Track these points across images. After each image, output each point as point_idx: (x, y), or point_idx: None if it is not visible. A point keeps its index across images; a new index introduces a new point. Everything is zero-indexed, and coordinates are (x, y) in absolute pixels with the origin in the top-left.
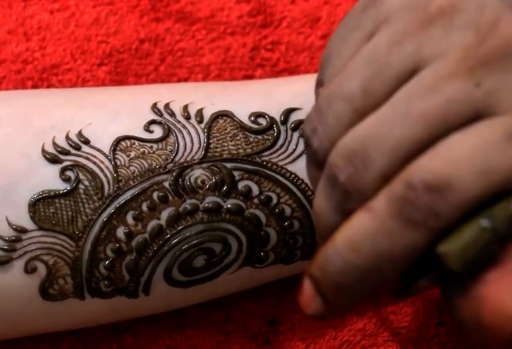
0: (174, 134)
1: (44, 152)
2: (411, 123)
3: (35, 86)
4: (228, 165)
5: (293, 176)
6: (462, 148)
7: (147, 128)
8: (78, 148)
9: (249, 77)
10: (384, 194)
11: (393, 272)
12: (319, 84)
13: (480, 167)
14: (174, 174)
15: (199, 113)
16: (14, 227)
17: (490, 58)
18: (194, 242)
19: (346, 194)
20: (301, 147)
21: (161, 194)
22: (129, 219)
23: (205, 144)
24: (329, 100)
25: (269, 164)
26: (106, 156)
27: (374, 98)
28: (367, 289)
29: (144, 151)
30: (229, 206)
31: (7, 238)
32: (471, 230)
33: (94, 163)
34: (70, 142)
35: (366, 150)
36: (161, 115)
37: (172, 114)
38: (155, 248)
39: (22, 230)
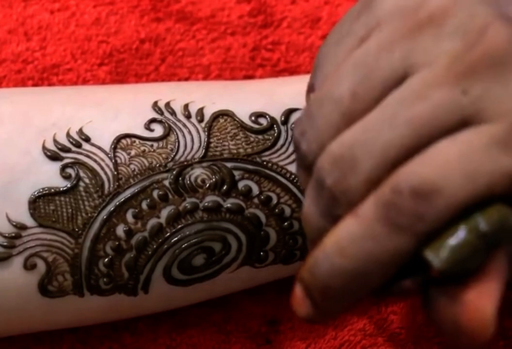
0: (175, 133)
1: (44, 149)
2: (398, 129)
3: (35, 86)
4: (228, 164)
5: (293, 176)
6: (449, 153)
7: (147, 126)
8: (78, 145)
9: (250, 77)
10: (371, 199)
11: (380, 277)
12: (310, 89)
13: (466, 172)
14: (174, 172)
15: (200, 112)
16: (14, 223)
17: (477, 65)
18: (193, 241)
19: (333, 198)
20: None
21: (161, 192)
22: (129, 217)
23: (205, 143)
24: (319, 103)
25: (269, 164)
26: (107, 154)
27: (362, 102)
28: (354, 293)
29: (144, 150)
30: (229, 205)
31: (6, 235)
32: (458, 234)
33: (95, 161)
34: (70, 140)
35: (353, 155)
36: (161, 113)
37: (173, 112)
38: (154, 246)
39: (22, 227)
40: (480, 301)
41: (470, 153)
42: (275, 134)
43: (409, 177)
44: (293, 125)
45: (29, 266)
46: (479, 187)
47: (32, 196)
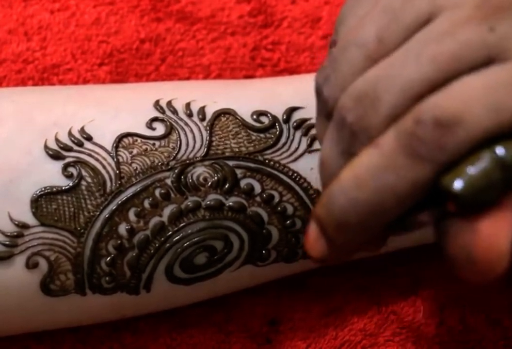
0: (177, 132)
1: (46, 148)
2: (423, 64)
3: (35, 86)
4: (230, 163)
5: (295, 174)
6: (473, 87)
7: (149, 125)
8: (80, 144)
9: (250, 77)
10: (392, 130)
11: (397, 209)
12: (333, 44)
13: (490, 104)
14: (176, 171)
15: (202, 110)
16: (16, 222)
17: (505, 5)
18: (195, 239)
19: (353, 135)
20: (303, 146)
21: (163, 191)
22: (131, 215)
23: (207, 142)
24: (343, 48)
25: (271, 163)
26: (109, 153)
27: (388, 44)
28: (370, 227)
29: (146, 148)
30: (231, 203)
31: (9, 234)
32: (478, 162)
33: (97, 159)
34: (72, 139)
35: (376, 91)
36: (163, 112)
37: (175, 111)
38: (156, 245)
39: (24, 226)
40: (495, 231)
41: (494, 87)
42: (277, 133)
43: (432, 108)
44: (295, 123)
45: (31, 265)
46: (501, 120)
47: (34, 195)
